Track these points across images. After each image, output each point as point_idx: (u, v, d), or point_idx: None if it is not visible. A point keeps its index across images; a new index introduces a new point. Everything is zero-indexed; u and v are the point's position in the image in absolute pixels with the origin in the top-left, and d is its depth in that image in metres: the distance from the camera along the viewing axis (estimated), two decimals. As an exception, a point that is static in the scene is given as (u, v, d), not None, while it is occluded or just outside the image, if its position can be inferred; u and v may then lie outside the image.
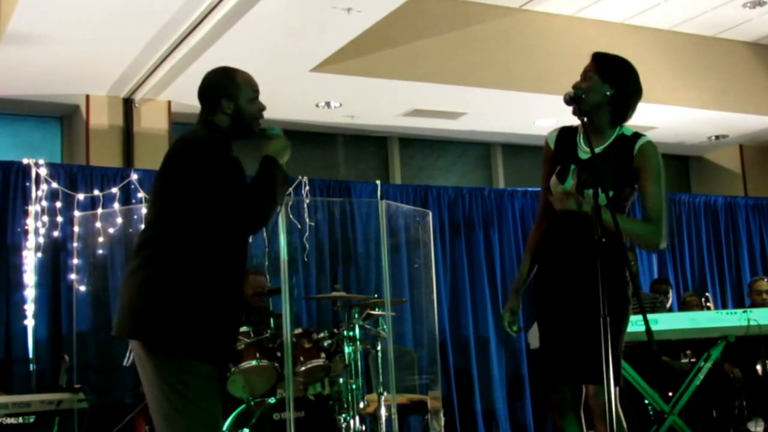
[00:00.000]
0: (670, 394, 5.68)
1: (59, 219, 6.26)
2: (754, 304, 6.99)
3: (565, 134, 3.35)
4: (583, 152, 3.25)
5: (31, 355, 6.02)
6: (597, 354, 2.87)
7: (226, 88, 3.08)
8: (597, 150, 3.20)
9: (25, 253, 6.11)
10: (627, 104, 3.28)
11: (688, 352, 6.52)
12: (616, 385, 3.15)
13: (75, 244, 6.26)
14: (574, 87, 3.21)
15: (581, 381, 3.25)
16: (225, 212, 2.88)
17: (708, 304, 7.23)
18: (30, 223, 6.14)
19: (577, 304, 3.16)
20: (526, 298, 3.46)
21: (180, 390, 2.85)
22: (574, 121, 3.31)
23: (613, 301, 3.02)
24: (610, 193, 3.04)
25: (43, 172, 6.26)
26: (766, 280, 7.27)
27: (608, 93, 3.21)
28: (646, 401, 5.61)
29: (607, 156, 3.19)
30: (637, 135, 3.27)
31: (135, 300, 2.90)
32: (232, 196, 2.88)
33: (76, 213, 6.31)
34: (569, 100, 3.15)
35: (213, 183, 2.87)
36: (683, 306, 7.66)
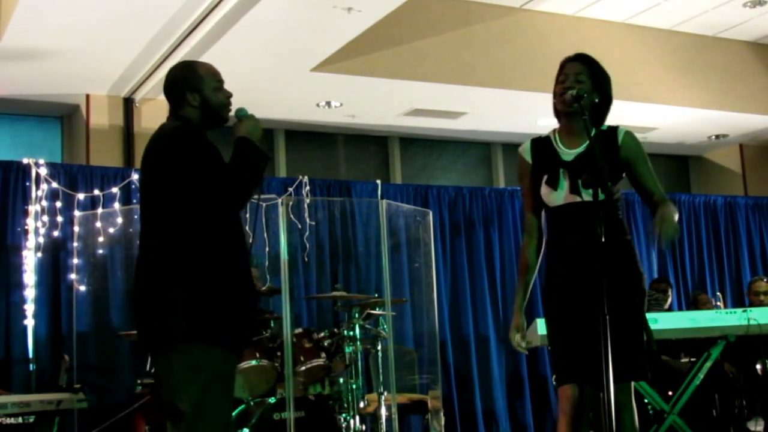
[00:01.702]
0: (670, 393, 5.68)
1: (59, 219, 6.27)
2: (753, 305, 7.00)
3: (539, 145, 3.37)
4: (566, 154, 3.26)
5: (31, 354, 6.03)
6: (624, 352, 2.92)
7: (188, 81, 3.10)
8: (580, 149, 3.24)
9: (25, 252, 6.12)
10: (606, 112, 3.33)
11: (692, 358, 6.51)
12: (646, 379, 3.21)
13: (75, 244, 6.27)
14: (567, 88, 3.21)
15: (618, 380, 3.23)
16: (208, 192, 2.90)
17: (718, 303, 7.24)
18: (30, 222, 6.15)
19: (597, 303, 3.15)
20: (528, 299, 3.47)
21: (197, 385, 2.87)
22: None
23: (630, 297, 3.11)
24: (610, 185, 3.06)
25: (43, 171, 6.27)
26: (765, 280, 7.27)
27: (596, 100, 3.25)
28: (646, 401, 5.61)
29: (590, 154, 3.19)
30: (613, 128, 3.32)
31: (146, 313, 2.95)
32: (213, 174, 2.90)
33: (76, 213, 6.32)
34: (572, 100, 3.16)
35: (191, 166, 2.90)
36: (694, 305, 7.66)
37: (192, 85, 3.09)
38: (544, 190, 3.24)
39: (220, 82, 3.15)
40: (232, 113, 3.18)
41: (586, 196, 3.12)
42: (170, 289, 2.88)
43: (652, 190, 3.31)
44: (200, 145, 2.95)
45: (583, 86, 3.21)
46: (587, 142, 3.22)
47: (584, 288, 3.12)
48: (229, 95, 3.16)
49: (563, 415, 3.26)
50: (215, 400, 2.89)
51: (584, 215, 3.10)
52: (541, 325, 4.85)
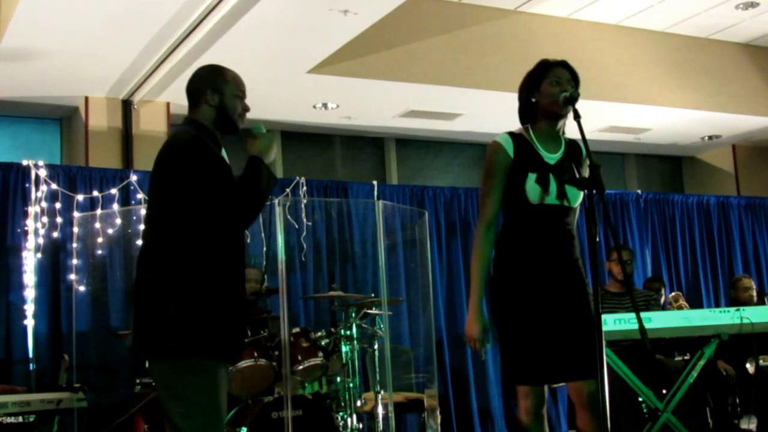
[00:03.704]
0: (664, 391, 5.72)
1: (59, 220, 6.30)
2: (740, 301, 7.06)
3: (518, 141, 3.36)
4: (548, 157, 3.31)
5: (31, 354, 6.06)
6: (590, 349, 2.96)
7: (212, 81, 3.14)
8: (557, 155, 3.31)
9: (24, 253, 6.15)
10: None
11: (685, 357, 6.57)
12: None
13: (74, 245, 6.30)
14: (564, 92, 3.27)
15: (578, 377, 3.24)
16: (213, 210, 2.93)
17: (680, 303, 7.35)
18: (30, 224, 6.18)
19: (564, 301, 3.20)
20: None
21: (186, 394, 2.92)
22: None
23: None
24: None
25: (43, 173, 6.30)
26: (747, 276, 7.41)
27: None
28: (640, 399, 5.66)
29: (567, 160, 3.28)
30: (575, 141, 3.40)
31: (140, 317, 2.99)
32: (218, 194, 2.93)
33: (76, 214, 6.35)
34: (567, 101, 3.22)
35: (199, 182, 2.93)
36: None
37: (215, 85, 3.13)
38: (531, 187, 3.25)
39: (243, 92, 3.19)
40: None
41: (573, 201, 3.24)
42: (169, 301, 2.92)
43: None
44: (212, 162, 2.97)
45: (575, 91, 3.28)
46: (562, 149, 3.32)
47: (558, 286, 3.19)
48: (246, 108, 3.20)
49: (527, 413, 3.26)
50: (210, 411, 2.94)
51: (565, 218, 3.22)
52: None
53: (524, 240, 3.29)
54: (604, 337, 2.85)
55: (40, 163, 6.37)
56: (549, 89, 3.32)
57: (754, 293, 7.14)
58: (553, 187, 3.24)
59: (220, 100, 3.13)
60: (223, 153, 3.15)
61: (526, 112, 3.43)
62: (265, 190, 3.04)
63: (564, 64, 3.38)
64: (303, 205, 7.05)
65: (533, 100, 3.38)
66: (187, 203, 2.94)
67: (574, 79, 3.35)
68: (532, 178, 3.26)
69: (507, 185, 3.31)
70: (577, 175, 3.24)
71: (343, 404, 5.49)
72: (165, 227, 2.99)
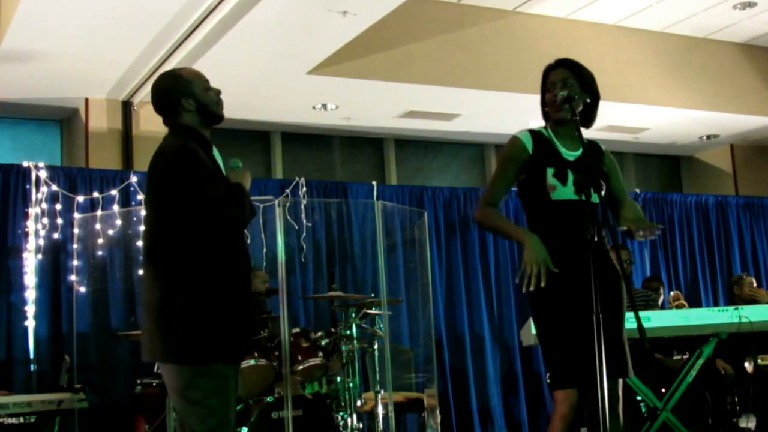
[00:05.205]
0: (663, 390, 5.74)
1: (59, 221, 6.31)
2: (742, 299, 7.08)
3: (537, 137, 3.38)
4: (567, 154, 3.33)
5: (31, 355, 6.08)
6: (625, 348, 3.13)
7: (180, 89, 3.18)
8: (578, 153, 3.33)
9: (25, 254, 6.17)
10: (596, 112, 3.45)
11: (684, 356, 6.59)
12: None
13: (75, 246, 6.31)
14: (556, 92, 3.29)
15: (618, 376, 3.31)
16: (202, 216, 2.99)
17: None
18: (30, 225, 6.20)
19: (577, 299, 3.18)
20: (522, 299, 3.51)
21: (200, 398, 2.97)
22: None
23: (622, 295, 3.27)
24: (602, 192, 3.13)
25: (43, 174, 6.32)
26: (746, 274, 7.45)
27: (588, 101, 3.35)
28: (639, 398, 5.69)
29: (587, 159, 3.26)
30: (594, 142, 3.48)
31: (149, 323, 3.03)
32: (207, 203, 2.98)
33: (76, 215, 6.37)
34: (564, 101, 3.24)
35: (187, 191, 2.97)
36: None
37: (184, 92, 3.17)
38: (552, 183, 3.27)
39: (206, 82, 3.24)
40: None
41: (594, 196, 3.14)
42: (178, 307, 2.96)
43: (625, 198, 3.54)
44: (198, 171, 3.01)
45: (573, 89, 3.29)
46: (581, 147, 3.31)
47: (570, 283, 3.18)
48: (218, 92, 3.25)
49: (562, 420, 3.22)
50: (223, 411, 3.00)
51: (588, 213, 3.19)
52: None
53: (548, 237, 3.27)
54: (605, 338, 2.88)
55: (41, 164, 6.39)
56: (548, 96, 3.38)
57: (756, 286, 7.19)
58: (570, 181, 3.24)
59: (195, 101, 3.17)
60: (215, 151, 3.20)
61: (545, 118, 3.48)
62: (248, 205, 3.13)
63: (561, 63, 3.41)
64: (302, 206, 7.06)
65: (546, 110, 3.44)
66: (180, 211, 3.00)
67: (576, 75, 3.35)
68: (550, 172, 3.28)
69: (526, 182, 3.35)
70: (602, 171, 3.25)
71: (343, 404, 5.50)
72: (163, 237, 3.04)
